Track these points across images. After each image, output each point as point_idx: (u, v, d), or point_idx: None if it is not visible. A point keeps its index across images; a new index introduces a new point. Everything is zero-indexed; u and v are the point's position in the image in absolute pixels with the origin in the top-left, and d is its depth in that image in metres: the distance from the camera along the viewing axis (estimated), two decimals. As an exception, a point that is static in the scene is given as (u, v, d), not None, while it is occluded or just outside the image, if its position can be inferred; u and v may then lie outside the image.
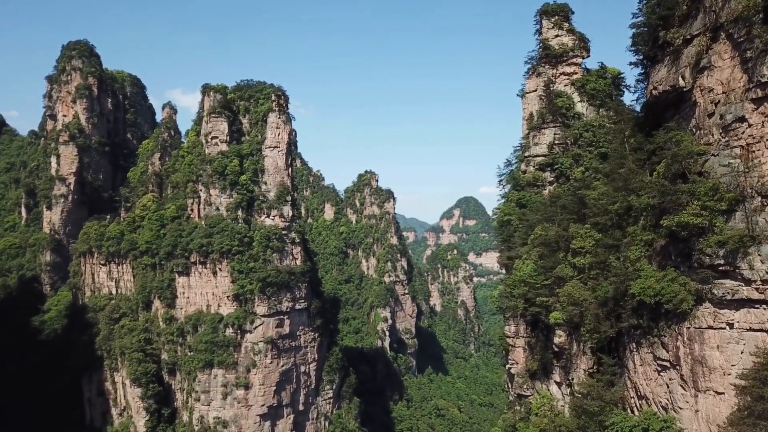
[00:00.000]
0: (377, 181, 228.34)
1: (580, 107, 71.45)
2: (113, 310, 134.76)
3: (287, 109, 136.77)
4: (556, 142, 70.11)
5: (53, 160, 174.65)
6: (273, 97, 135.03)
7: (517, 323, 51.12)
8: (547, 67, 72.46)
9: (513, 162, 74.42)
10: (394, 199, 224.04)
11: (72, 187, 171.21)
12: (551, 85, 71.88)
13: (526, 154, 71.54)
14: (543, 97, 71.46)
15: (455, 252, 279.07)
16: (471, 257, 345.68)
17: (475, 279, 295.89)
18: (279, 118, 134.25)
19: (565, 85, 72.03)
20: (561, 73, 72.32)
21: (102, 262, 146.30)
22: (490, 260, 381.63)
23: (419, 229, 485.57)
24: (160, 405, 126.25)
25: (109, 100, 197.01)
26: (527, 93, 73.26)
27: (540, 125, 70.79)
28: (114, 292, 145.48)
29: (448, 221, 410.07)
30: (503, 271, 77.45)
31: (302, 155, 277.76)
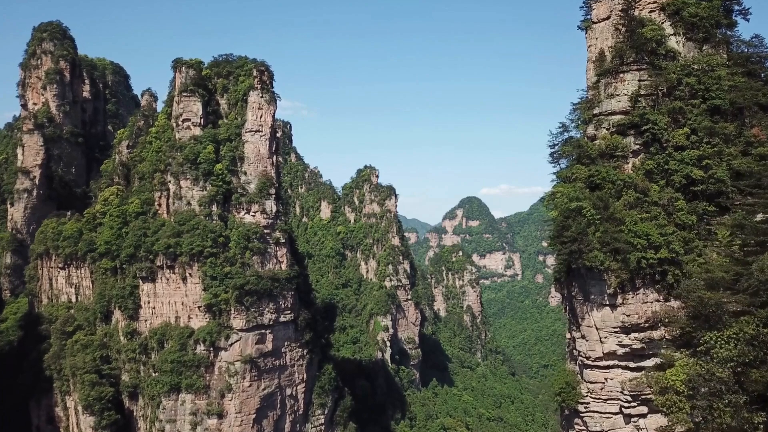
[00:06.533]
0: (377, 177, 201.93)
1: (674, 42, 45.96)
2: (66, 322, 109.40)
3: (271, 87, 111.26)
4: (643, 92, 44.62)
5: (19, 151, 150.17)
6: (255, 73, 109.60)
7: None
8: (624, -16, 47.14)
9: (571, 125, 48.97)
10: (395, 196, 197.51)
11: (37, 180, 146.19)
12: (631, 10, 46.53)
13: (596, 111, 46.08)
14: (620, 27, 46.00)
15: (460, 253, 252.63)
16: (474, 258, 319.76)
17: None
18: (261, 97, 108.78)
19: (651, 12, 46.54)
20: (644, -6, 47.00)
21: (60, 265, 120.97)
22: (494, 262, 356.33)
23: (421, 230, 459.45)
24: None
25: (87, 88, 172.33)
26: (595, 22, 47.78)
27: (617, 68, 45.32)
28: (74, 300, 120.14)
29: (451, 222, 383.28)
30: (559, 301, 51.97)
31: (302, 156, 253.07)
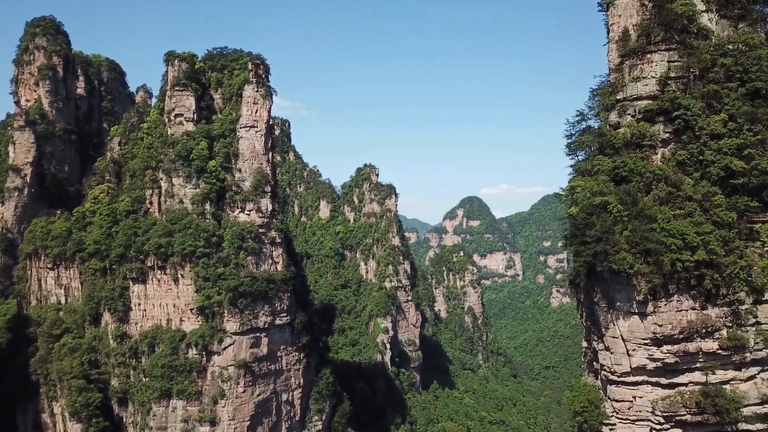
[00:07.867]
0: (377, 175, 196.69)
1: (707, 19, 40.96)
2: (53, 324, 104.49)
3: (267, 81, 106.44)
4: (673, 74, 39.59)
5: (10, 148, 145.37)
6: (250, 67, 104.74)
7: None
8: (650, -45, 42.10)
9: (590, 113, 43.92)
10: (396, 195, 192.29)
11: (28, 178, 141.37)
12: (659, -16, 41.46)
13: (619, 96, 41.04)
14: (646, 3, 41.01)
15: (461, 254, 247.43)
16: (475, 259, 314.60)
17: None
18: (257, 91, 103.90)
19: (680, -14, 41.61)
20: (673, -33, 41.95)
21: (49, 265, 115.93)
22: (495, 262, 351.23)
23: (421, 230, 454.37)
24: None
25: (82, 85, 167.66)
26: (618, -2, 42.79)
27: (643, 48, 40.28)
28: (63, 301, 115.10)
29: (451, 222, 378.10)
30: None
31: (302, 155, 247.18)
